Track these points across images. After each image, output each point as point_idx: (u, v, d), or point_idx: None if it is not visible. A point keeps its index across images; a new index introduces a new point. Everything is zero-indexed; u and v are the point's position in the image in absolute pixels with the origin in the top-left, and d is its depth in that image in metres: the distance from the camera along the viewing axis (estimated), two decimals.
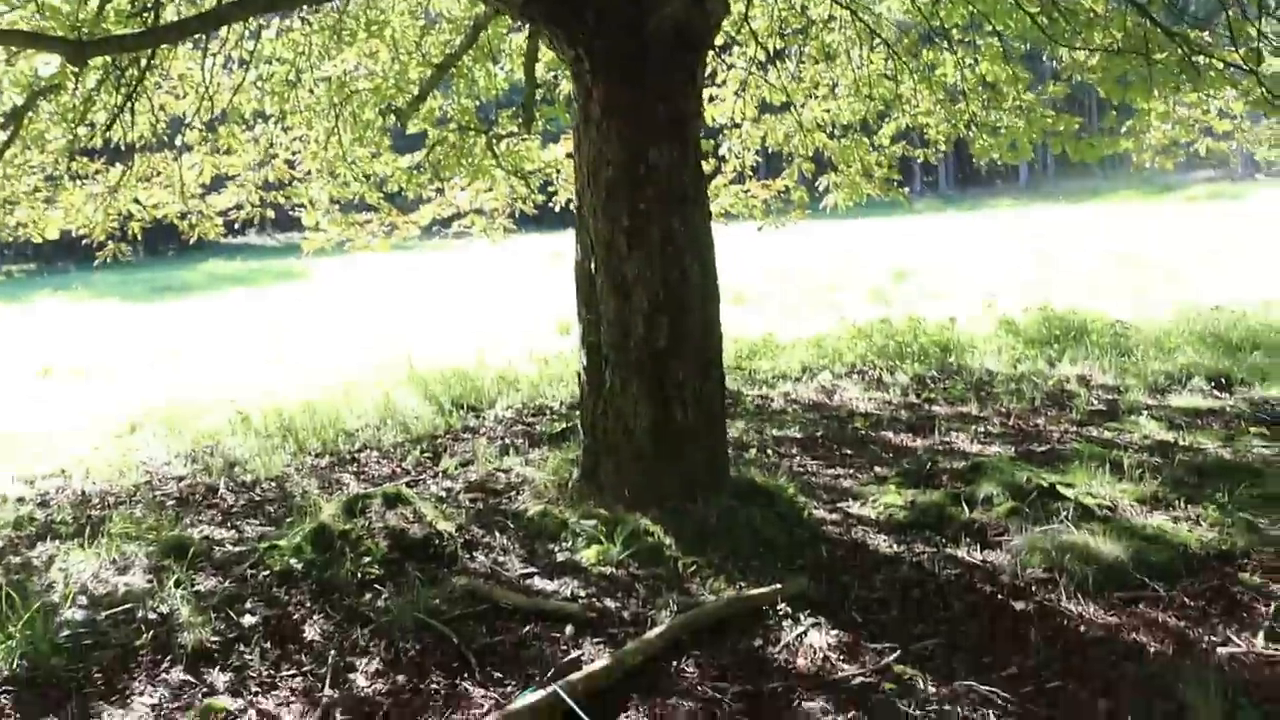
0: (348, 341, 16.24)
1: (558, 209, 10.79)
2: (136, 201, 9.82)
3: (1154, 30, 7.89)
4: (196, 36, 8.37)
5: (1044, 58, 12.21)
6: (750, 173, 11.38)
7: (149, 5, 7.44)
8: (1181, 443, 7.27)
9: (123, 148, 9.15)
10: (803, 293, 19.02)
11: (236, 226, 10.77)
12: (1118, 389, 9.34)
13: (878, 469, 6.97)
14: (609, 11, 5.04)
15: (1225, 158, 12.78)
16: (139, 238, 10.48)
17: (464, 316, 18.63)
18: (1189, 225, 26.59)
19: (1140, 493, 6.02)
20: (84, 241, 9.89)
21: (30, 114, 7.74)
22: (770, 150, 11.65)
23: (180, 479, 7.94)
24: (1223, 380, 9.39)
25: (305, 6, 8.65)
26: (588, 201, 5.43)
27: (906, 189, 12.52)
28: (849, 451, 7.49)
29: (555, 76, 9.93)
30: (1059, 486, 5.97)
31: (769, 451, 7.49)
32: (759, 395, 9.87)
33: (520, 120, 9.44)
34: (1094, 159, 9.79)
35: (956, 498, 5.98)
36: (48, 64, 7.49)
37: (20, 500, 7.58)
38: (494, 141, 9.45)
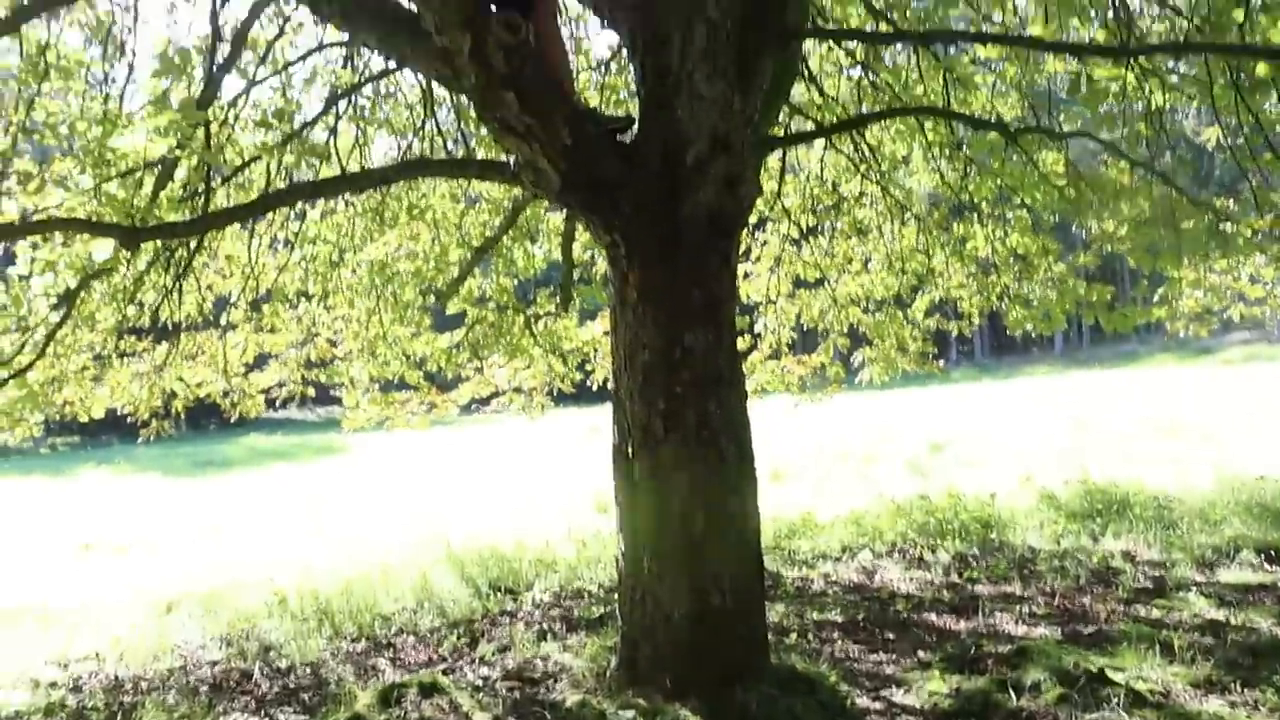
0: (386, 516, 16.23)
1: (595, 387, 10.87)
2: (180, 380, 9.98)
3: (1180, 199, 7.98)
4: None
5: (1073, 227, 12.35)
6: (786, 349, 11.45)
7: (200, 190, 7.68)
8: (1233, 621, 7.05)
9: (169, 326, 9.34)
10: (840, 467, 18.92)
11: (278, 404, 10.90)
12: (1164, 564, 9.12)
13: (921, 654, 6.78)
14: (644, 199, 5.16)
15: (1260, 321, 12.75)
16: (182, 415, 10.62)
17: (502, 492, 18.62)
18: (1226, 389, 26.45)
19: (1193, 676, 5.81)
20: (128, 419, 10.03)
21: (82, 294, 7.94)
22: (805, 326, 11.74)
23: (215, 663, 7.84)
24: (1272, 553, 9.16)
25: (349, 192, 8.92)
26: (624, 385, 5.45)
27: (941, 361, 12.55)
28: (891, 635, 7.32)
29: (592, 256, 10.13)
30: (1108, 671, 5.78)
31: (810, 636, 7.33)
32: (799, 576, 9.71)
33: (558, 299, 9.60)
34: (1127, 329, 9.79)
35: (1003, 684, 5.79)
36: (102, 249, 7.72)
37: (53, 685, 7.50)
38: (532, 320, 9.61)
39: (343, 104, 9.34)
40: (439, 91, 9.98)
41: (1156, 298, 10.15)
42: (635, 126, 5.31)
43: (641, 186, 5.15)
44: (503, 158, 5.94)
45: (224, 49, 7.19)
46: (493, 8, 4.78)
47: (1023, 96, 10.32)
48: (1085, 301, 10.23)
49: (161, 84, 6.17)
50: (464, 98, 10.01)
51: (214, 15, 6.76)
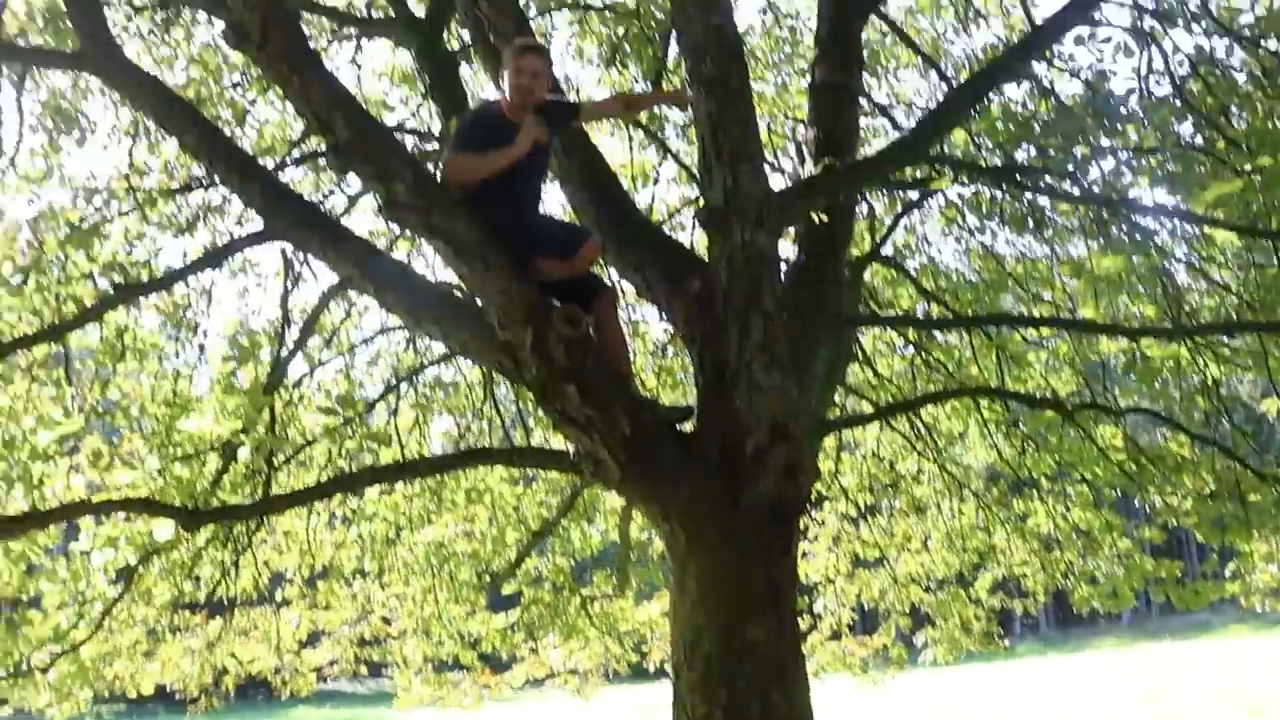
0: None
1: (652, 669, 10.60)
2: (233, 655, 9.87)
3: (1244, 472, 7.85)
4: None
5: (1135, 501, 12.14)
6: (846, 629, 11.18)
7: (262, 470, 7.78)
8: None
9: (225, 602, 9.30)
10: None
11: (328, 679, 10.72)
12: None
13: None
14: (703, 488, 5.13)
15: None
16: (231, 691, 10.45)
17: None
18: None
19: None
20: (177, 695, 9.88)
21: (140, 569, 7.97)
22: (865, 606, 11.50)
23: None
24: None
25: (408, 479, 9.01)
26: (684, 677, 5.28)
27: (1006, 640, 12.19)
28: None
29: (649, 536, 10.07)
30: None
31: None
32: None
33: (614, 580, 9.50)
34: (1200, 606, 9.50)
35: None
36: (163, 529, 7.79)
37: None
38: (588, 601, 9.49)
39: (403, 385, 9.58)
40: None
41: (1228, 572, 9.88)
42: (694, 416, 5.34)
43: (701, 476, 5.14)
44: (561, 443, 5.99)
45: (292, 331, 7.44)
46: (554, 302, 4.91)
47: (1076, 372, 10.36)
48: (1154, 578, 9.99)
49: (229, 366, 6.36)
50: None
51: (284, 300, 7.03)
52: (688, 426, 5.33)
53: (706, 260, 5.44)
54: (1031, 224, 9.84)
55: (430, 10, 8.63)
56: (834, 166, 5.71)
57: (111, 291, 5.33)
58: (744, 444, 5.12)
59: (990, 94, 6.95)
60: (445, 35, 8.63)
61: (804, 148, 6.51)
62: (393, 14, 8.70)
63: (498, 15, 5.94)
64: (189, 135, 5.46)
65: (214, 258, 5.97)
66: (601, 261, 5.82)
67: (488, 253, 4.82)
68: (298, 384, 8.55)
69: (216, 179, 5.90)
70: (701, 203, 5.47)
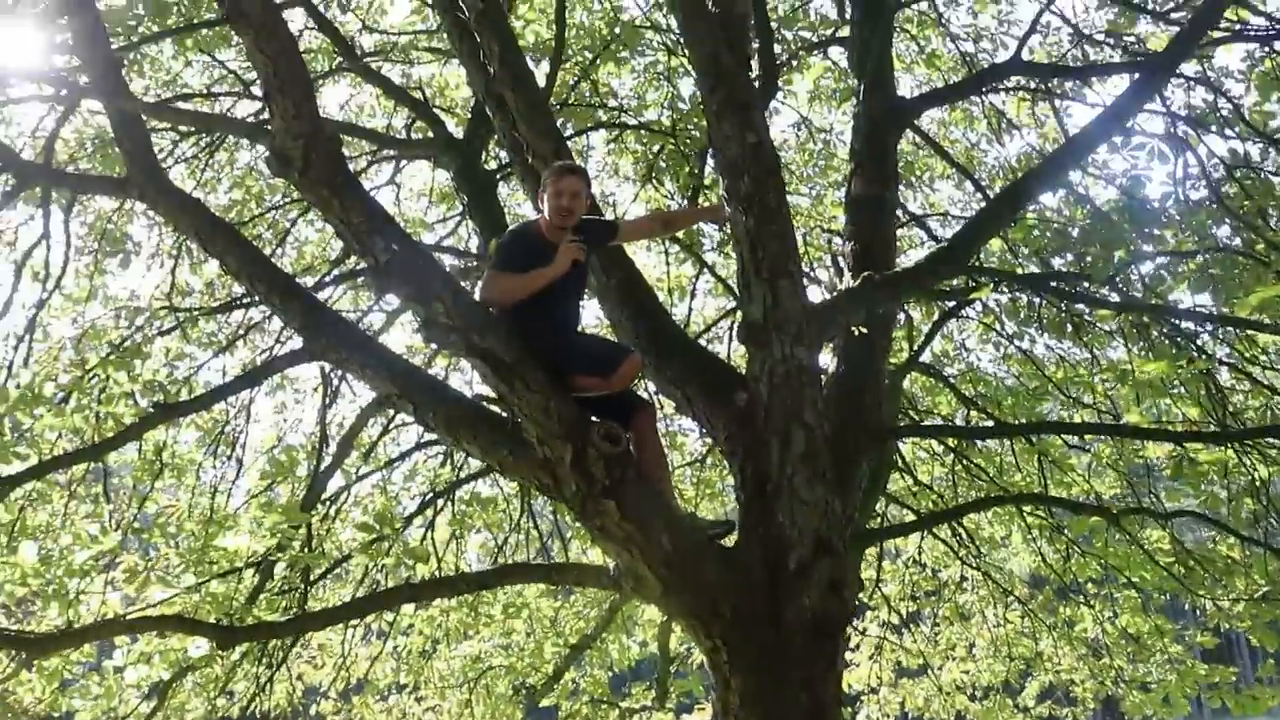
0: None
1: None
2: None
3: None
4: None
5: (1186, 605, 11.91)
6: None
7: (298, 586, 7.74)
8: None
9: (258, 716, 9.18)
10: None
11: None
12: None
13: None
14: (746, 604, 5.05)
15: None
16: None
17: None
18: None
19: None
20: None
21: (173, 685, 7.89)
22: (910, 715, 11.24)
23: None
24: None
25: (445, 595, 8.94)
26: None
27: None
28: None
29: (688, 649, 9.93)
30: None
31: None
32: None
33: (654, 694, 9.34)
34: (1258, 712, 9.25)
35: None
36: (198, 646, 7.73)
37: None
38: (627, 715, 9.32)
39: (440, 500, 9.57)
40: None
41: None
42: (735, 531, 5.28)
43: (743, 591, 5.06)
44: (600, 558, 5.93)
45: (329, 447, 7.45)
46: (593, 418, 4.90)
47: (1120, 475, 10.25)
48: (1208, 683, 9.74)
49: (267, 482, 6.36)
50: None
51: (322, 416, 7.06)
52: (729, 541, 5.27)
53: (746, 374, 5.42)
54: (1070, 329, 9.85)
55: (468, 131, 8.80)
56: (873, 279, 5.70)
57: (151, 410, 5.33)
58: (787, 558, 5.05)
59: (1027, 203, 6.95)
60: (483, 155, 8.78)
61: (841, 260, 6.53)
62: (431, 135, 8.88)
63: (536, 138, 6.02)
64: (230, 257, 5.52)
65: (253, 377, 6.01)
66: (640, 376, 5.82)
67: (526, 372, 4.82)
68: (334, 499, 8.56)
69: (257, 299, 5.94)
70: (740, 318, 5.46)
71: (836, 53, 9.63)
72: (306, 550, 6.68)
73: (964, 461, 10.22)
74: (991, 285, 6.52)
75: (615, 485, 4.83)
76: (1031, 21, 7.10)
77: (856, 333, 5.86)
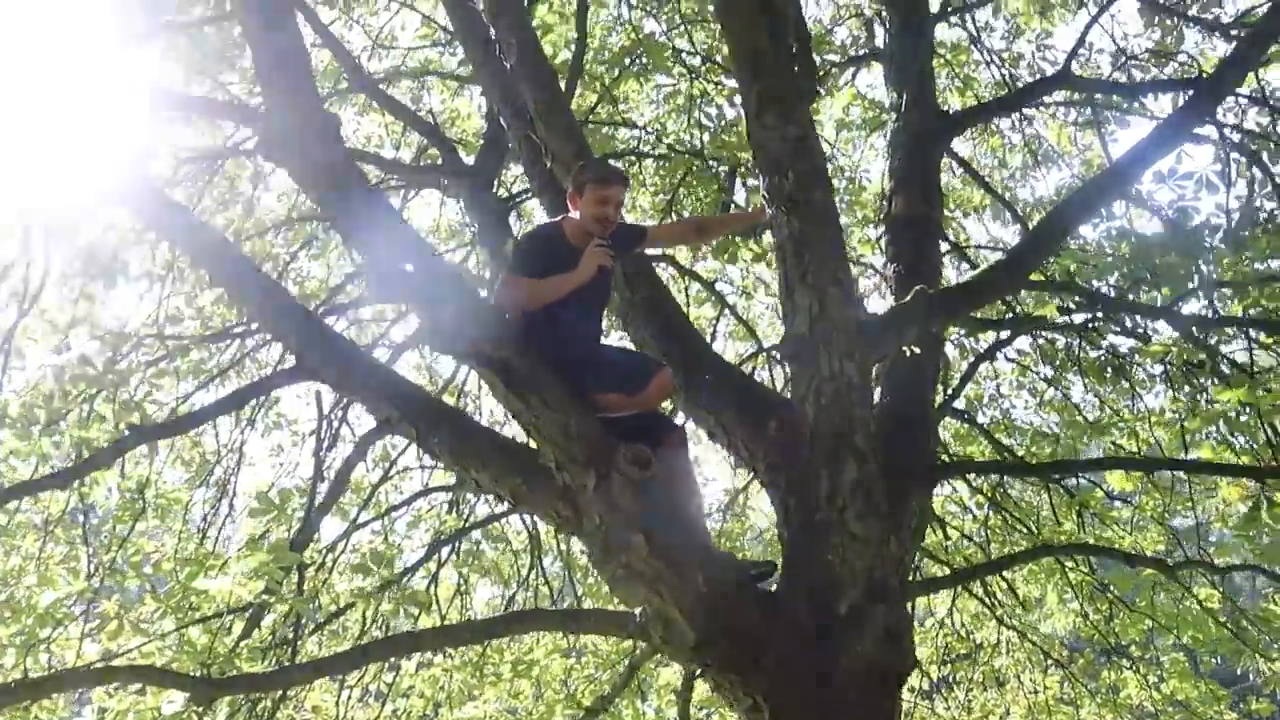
0: None
1: None
2: None
3: None
4: None
5: (1238, 669, 11.28)
6: None
7: (288, 638, 7.15)
8: None
9: None
10: None
11: None
12: None
13: None
14: (791, 655, 4.44)
15: None
16: None
17: None
18: None
19: None
20: None
21: None
22: None
23: None
24: None
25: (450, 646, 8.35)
26: None
27: None
28: None
29: (708, 715, 9.31)
30: None
31: None
32: None
33: None
34: None
35: None
36: (171, 701, 7.11)
37: None
38: None
39: (445, 550, 9.03)
40: (545, 537, 9.63)
41: None
42: (777, 572, 4.68)
43: (788, 641, 4.44)
44: (618, 607, 5.35)
45: (325, 487, 6.86)
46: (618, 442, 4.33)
47: (1165, 530, 9.73)
48: None
49: (258, 524, 5.82)
50: (574, 544, 9.63)
51: (318, 451, 6.47)
52: (771, 585, 4.67)
53: (790, 395, 4.85)
54: (1111, 373, 9.32)
55: (480, 158, 8.36)
56: (926, 293, 5.16)
57: (126, 433, 4.77)
58: (837, 603, 4.44)
59: (1078, 226, 6.43)
60: (496, 183, 8.34)
61: (884, 283, 6.00)
62: (441, 162, 8.44)
63: (556, 139, 5.53)
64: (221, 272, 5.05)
65: (241, 396, 5.43)
66: (672, 400, 5.25)
67: (544, 387, 4.28)
68: (331, 549, 7.99)
69: (249, 320, 5.42)
70: (782, 333, 4.91)
71: (863, 82, 9.26)
72: (298, 596, 6.06)
73: (1001, 515, 9.65)
74: (1054, 304, 6.01)
75: (644, 517, 4.26)
76: (1080, 34, 6.60)
77: (909, 352, 5.29)
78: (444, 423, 4.80)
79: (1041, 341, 9.72)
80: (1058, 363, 9.66)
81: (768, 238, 7.27)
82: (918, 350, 5.33)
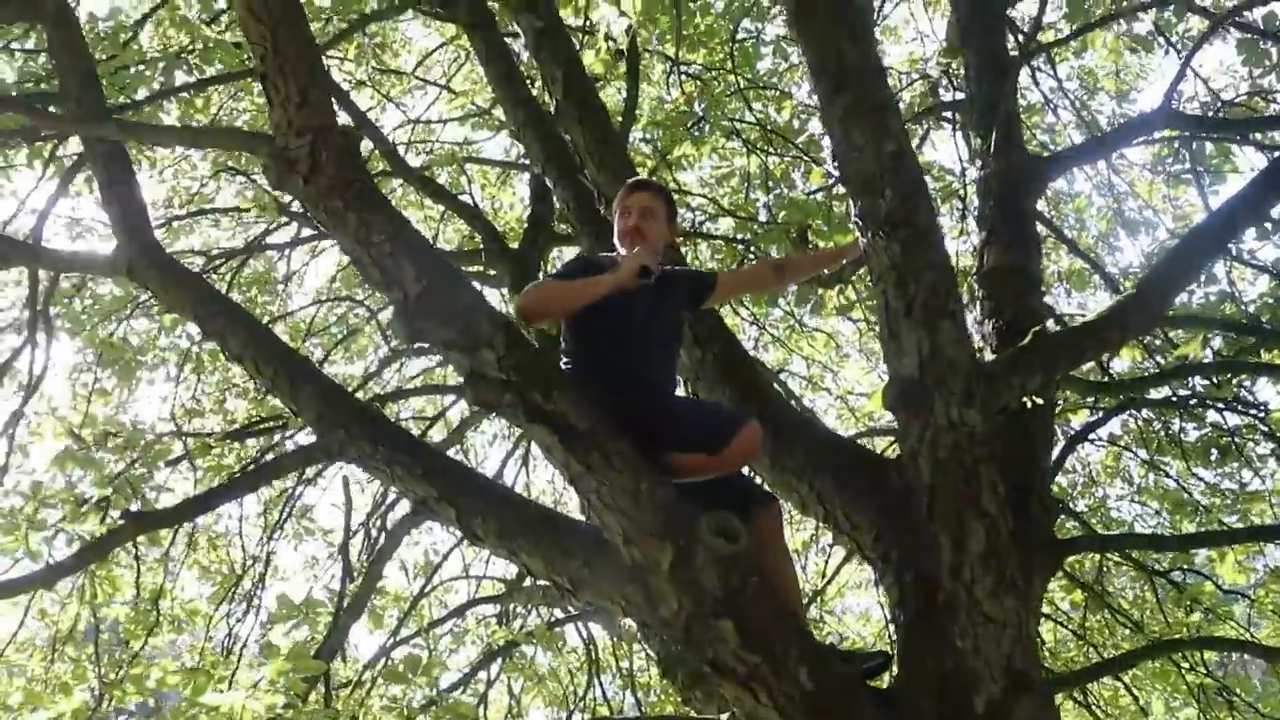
0: None
1: None
2: None
3: None
4: None
5: None
6: None
7: None
8: None
9: None
10: None
11: None
12: None
13: None
14: None
15: None
16: None
17: None
18: None
19: None
20: None
21: None
22: None
23: None
24: None
25: None
26: None
27: None
28: None
29: None
30: None
31: None
32: None
33: None
34: None
35: None
36: None
37: None
38: None
39: (494, 666, 8.28)
40: (604, 654, 8.88)
41: None
42: (895, 665, 3.86)
43: None
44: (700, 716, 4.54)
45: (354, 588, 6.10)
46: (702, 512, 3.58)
47: None
48: None
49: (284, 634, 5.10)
50: (636, 660, 8.80)
51: (344, 547, 5.71)
52: (886, 679, 3.86)
53: (900, 452, 4.09)
54: (1217, 454, 8.52)
55: (524, 242, 7.86)
56: (1047, 334, 4.42)
57: (121, 521, 4.10)
58: (971, 698, 3.62)
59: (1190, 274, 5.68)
60: (541, 267, 7.81)
61: (985, 343, 5.26)
62: (483, 247, 7.94)
63: (610, 181, 4.90)
64: (233, 337, 4.46)
65: (254, 479, 4.75)
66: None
67: (607, 443, 3.55)
68: (369, 666, 7.25)
69: (262, 385, 4.75)
70: (887, 379, 4.16)
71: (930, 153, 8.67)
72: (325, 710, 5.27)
73: (1103, 610, 8.75)
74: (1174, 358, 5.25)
75: (732, 600, 3.48)
76: (1181, 65, 5.91)
77: (1029, 404, 4.52)
78: (488, 502, 4.08)
79: (1138, 422, 8.97)
80: (1156, 445, 8.88)
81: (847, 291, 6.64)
82: (1039, 400, 4.56)
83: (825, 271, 4.59)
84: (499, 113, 8.25)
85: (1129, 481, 9.76)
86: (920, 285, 3.95)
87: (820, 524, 4.37)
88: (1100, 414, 7.97)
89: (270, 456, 6.62)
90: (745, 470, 4.20)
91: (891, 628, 4.08)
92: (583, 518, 4.04)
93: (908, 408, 3.93)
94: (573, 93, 5.00)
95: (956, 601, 3.69)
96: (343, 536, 5.51)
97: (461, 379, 3.62)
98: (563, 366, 3.95)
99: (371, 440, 4.21)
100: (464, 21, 6.53)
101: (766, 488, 4.21)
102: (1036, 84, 8.32)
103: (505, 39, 6.47)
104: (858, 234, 4.24)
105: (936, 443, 3.84)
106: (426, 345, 3.81)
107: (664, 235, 4.12)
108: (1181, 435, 8.65)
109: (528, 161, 7.11)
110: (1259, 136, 6.57)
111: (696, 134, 7.87)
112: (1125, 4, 6.81)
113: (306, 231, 9.16)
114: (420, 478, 4.12)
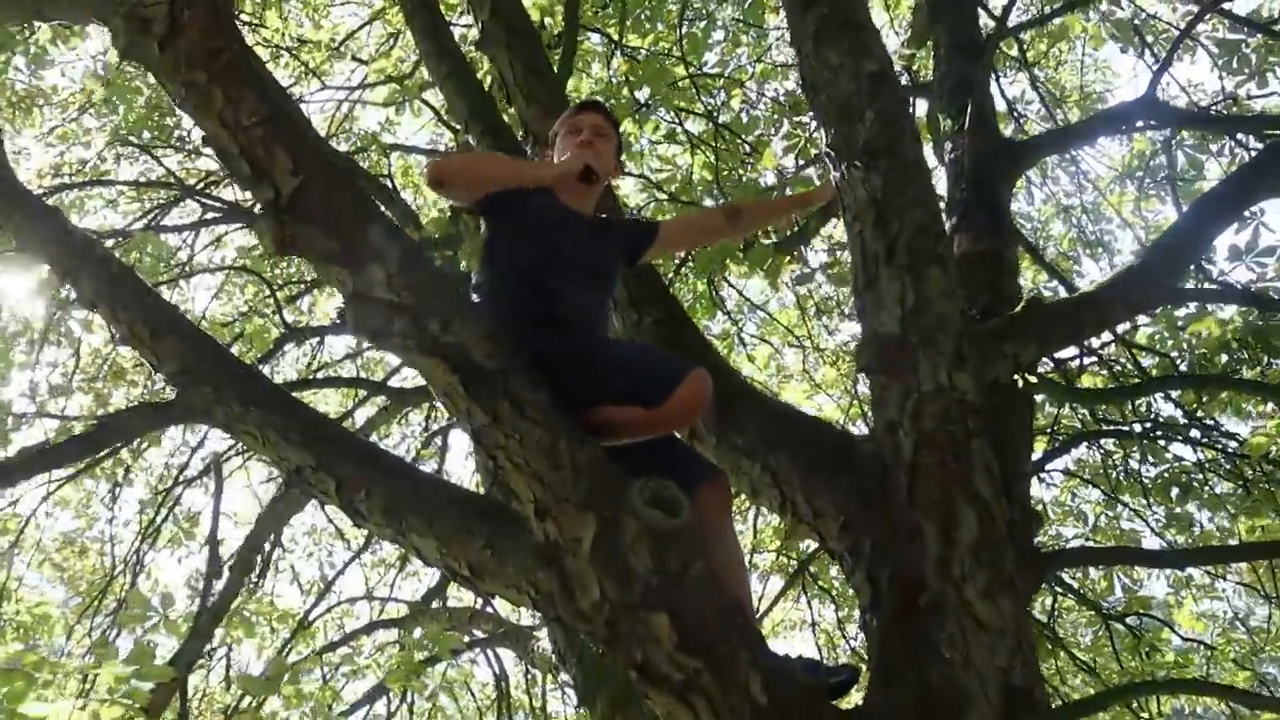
0: None
1: None
2: None
3: None
4: None
5: None
6: None
7: None
8: None
9: None
10: None
11: None
12: None
13: None
14: None
15: None
16: None
17: None
18: None
19: None
20: None
21: None
22: None
23: None
24: None
25: None
26: None
27: None
28: None
29: None
30: None
31: None
32: None
33: None
34: None
35: None
36: None
37: None
38: None
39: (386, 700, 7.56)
40: (515, 690, 8.20)
41: None
42: (867, 679, 3.15)
43: None
44: None
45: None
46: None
47: (1253, 675, 8.41)
48: None
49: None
50: (551, 697, 8.03)
51: (212, 538, 4.85)
52: (854, 696, 3.16)
53: (873, 425, 3.41)
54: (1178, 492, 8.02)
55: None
56: (1040, 304, 3.80)
57: None
58: (961, 718, 2.93)
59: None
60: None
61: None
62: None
63: (542, 116, 4.23)
64: (88, 279, 3.76)
65: (93, 441, 3.95)
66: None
67: (520, 388, 2.85)
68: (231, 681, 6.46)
69: (120, 338, 3.99)
70: (860, 338, 3.50)
71: None
72: None
73: (1056, 651, 8.17)
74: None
75: (669, 588, 2.78)
76: (1166, 54, 5.40)
77: (1020, 382, 3.88)
78: (374, 472, 3.35)
79: (1097, 455, 8.47)
80: (1114, 481, 8.38)
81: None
82: (1033, 380, 3.92)
83: (794, 218, 3.94)
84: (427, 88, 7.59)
85: (1082, 520, 9.23)
86: (904, 224, 3.30)
87: (775, 512, 3.65)
88: (1057, 445, 7.48)
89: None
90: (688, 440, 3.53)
91: (862, 635, 3.37)
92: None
93: (887, 369, 3.25)
94: (500, 13, 4.33)
95: (943, 603, 3.00)
96: (211, 523, 4.69)
97: (345, 299, 2.89)
98: (472, 300, 3.26)
99: (242, 400, 3.50)
100: None
101: (712, 460, 3.51)
102: (1000, 86, 7.84)
103: None
104: (830, 170, 3.58)
105: (921, 411, 3.16)
106: (299, 257, 3.04)
107: (610, 167, 3.46)
108: (1140, 472, 8.15)
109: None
110: (1241, 137, 6.06)
111: (637, 116, 7.22)
112: None
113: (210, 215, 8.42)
114: (297, 444, 3.41)
